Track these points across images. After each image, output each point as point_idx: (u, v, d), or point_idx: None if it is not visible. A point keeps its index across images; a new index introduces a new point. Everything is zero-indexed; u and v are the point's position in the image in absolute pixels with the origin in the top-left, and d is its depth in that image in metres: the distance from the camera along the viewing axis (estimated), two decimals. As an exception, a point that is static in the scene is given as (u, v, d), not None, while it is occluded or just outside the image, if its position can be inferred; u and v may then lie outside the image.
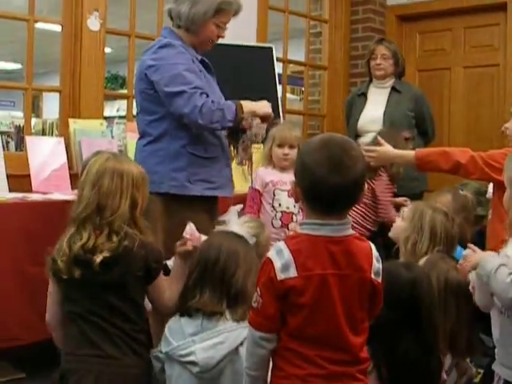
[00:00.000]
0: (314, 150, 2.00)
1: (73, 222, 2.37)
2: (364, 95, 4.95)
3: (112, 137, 4.30)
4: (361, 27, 6.17)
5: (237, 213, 2.82)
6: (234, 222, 2.73)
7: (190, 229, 2.60)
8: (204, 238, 2.56)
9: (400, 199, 4.24)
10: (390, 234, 3.31)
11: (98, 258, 2.28)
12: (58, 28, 4.39)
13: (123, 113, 10.34)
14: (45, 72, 9.63)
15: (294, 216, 3.73)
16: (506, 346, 2.37)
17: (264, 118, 3.22)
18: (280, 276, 1.93)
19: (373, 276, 1.99)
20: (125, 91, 7.95)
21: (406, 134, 4.16)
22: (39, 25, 4.54)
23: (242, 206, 2.92)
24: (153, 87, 3.11)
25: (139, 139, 3.28)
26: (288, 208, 3.72)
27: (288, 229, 3.70)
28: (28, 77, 4.20)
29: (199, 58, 3.26)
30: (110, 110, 11.14)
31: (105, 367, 2.31)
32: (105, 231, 2.32)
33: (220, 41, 4.67)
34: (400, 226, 3.23)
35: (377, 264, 2.01)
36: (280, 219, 3.72)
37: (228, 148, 3.34)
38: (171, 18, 3.28)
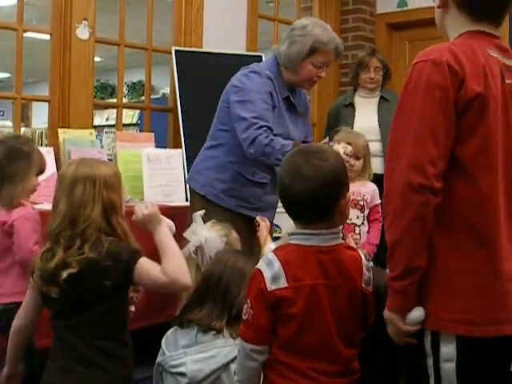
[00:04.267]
0: (284, 161, 2.04)
1: (48, 237, 2.29)
2: (352, 105, 4.93)
3: (102, 146, 4.28)
4: (351, 36, 6.16)
5: (201, 218, 2.81)
6: (202, 228, 2.73)
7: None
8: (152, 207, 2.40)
9: None
10: None
11: (64, 274, 2.19)
12: (46, 37, 4.37)
13: (113, 122, 10.33)
14: (34, 81, 9.62)
15: (356, 228, 3.65)
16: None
17: None
18: (270, 287, 1.93)
19: (363, 285, 1.99)
20: (114, 100, 7.95)
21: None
22: (28, 34, 4.51)
23: (203, 211, 2.89)
24: (228, 102, 3.31)
25: (207, 141, 3.50)
26: (350, 219, 3.60)
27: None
28: (17, 86, 4.17)
29: (285, 95, 3.38)
30: (100, 119, 11.13)
31: (68, 381, 2.23)
32: (77, 243, 2.22)
33: (209, 49, 4.70)
34: None
35: (367, 273, 2.01)
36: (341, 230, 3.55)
37: None
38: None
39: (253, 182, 3.32)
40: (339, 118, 4.95)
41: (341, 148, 3.24)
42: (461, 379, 1.80)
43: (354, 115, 4.85)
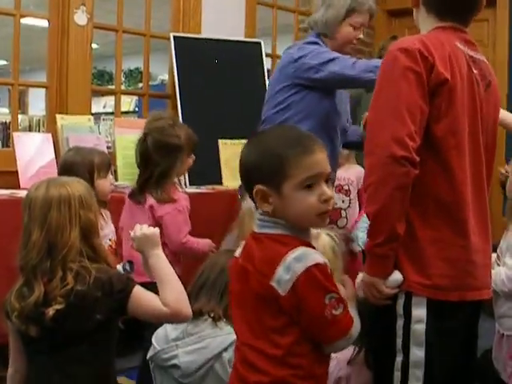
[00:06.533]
0: None
1: (21, 271, 2.05)
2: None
3: (99, 133, 4.26)
4: (349, 22, 6.13)
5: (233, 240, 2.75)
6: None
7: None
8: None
9: None
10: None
11: (50, 312, 1.95)
12: (44, 24, 4.34)
13: (110, 109, 10.30)
14: (31, 69, 9.57)
15: (342, 211, 3.67)
16: None
17: None
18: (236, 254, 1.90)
19: (273, 284, 1.71)
20: (112, 87, 7.91)
21: None
22: (25, 21, 4.49)
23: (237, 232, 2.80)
24: (288, 80, 3.26)
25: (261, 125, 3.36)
26: (336, 204, 3.64)
27: (337, 225, 3.64)
28: (14, 72, 4.15)
29: None
30: (97, 106, 11.08)
31: None
32: (58, 274, 1.98)
33: (207, 35, 4.67)
34: None
35: (282, 273, 1.70)
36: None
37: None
38: (311, 29, 3.42)
39: None
40: (360, 101, 4.93)
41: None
42: (428, 339, 1.96)
43: None
